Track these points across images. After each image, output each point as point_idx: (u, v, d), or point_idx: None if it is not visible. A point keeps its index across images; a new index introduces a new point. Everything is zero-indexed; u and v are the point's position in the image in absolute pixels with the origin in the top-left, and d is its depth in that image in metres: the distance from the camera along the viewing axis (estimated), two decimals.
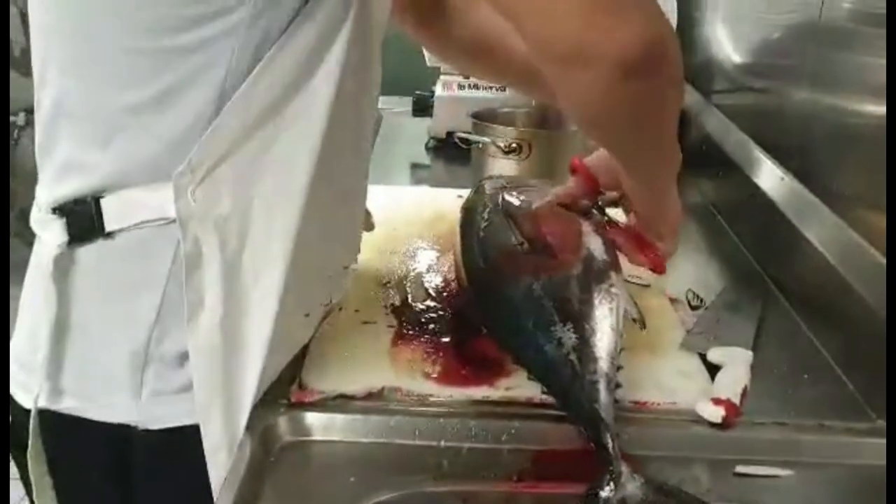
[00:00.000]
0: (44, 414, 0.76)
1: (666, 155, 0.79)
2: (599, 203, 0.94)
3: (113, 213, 0.72)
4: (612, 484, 0.68)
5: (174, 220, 0.70)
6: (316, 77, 0.71)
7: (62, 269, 0.74)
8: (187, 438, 0.73)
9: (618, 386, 0.76)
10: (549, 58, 0.64)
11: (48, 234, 0.74)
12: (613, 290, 0.82)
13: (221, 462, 0.74)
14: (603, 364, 0.76)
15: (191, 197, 0.70)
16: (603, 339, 0.77)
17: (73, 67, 0.71)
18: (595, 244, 0.87)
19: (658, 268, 0.89)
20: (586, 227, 0.90)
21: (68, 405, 0.76)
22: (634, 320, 0.83)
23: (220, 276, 0.72)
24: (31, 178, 0.78)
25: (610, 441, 0.70)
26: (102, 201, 0.72)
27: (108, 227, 0.72)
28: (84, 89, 0.71)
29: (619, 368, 0.77)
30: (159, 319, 0.74)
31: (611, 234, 0.90)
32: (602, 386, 0.74)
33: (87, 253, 0.74)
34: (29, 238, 0.79)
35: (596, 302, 0.80)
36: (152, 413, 0.75)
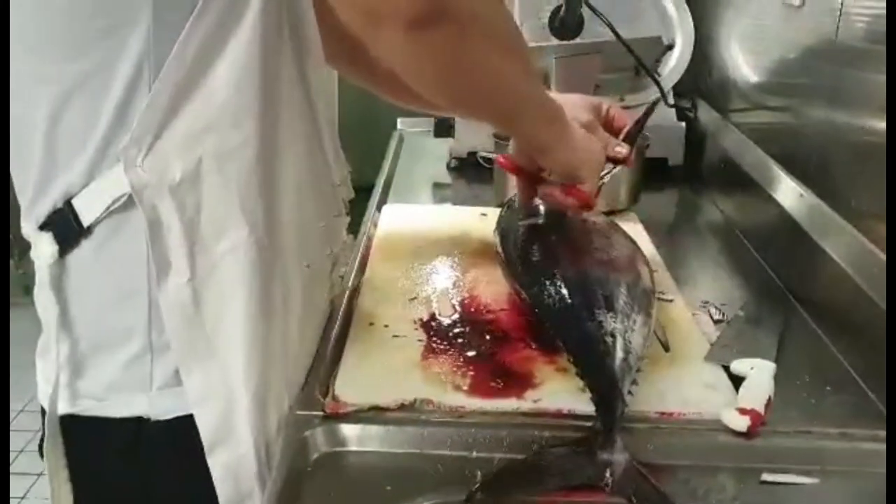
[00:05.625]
0: (64, 418, 0.81)
1: (522, 106, 0.86)
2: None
3: (85, 208, 0.76)
4: (605, 447, 0.74)
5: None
6: (236, 35, 0.73)
7: (57, 278, 0.78)
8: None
9: (634, 382, 0.81)
10: (351, 22, 0.71)
11: (40, 249, 0.78)
12: (651, 311, 0.91)
13: (207, 414, 0.79)
14: (632, 357, 0.83)
15: (140, 168, 0.73)
16: (636, 338, 0.85)
17: (29, 86, 0.75)
18: (644, 270, 0.97)
19: (585, 203, 0.96)
20: (639, 255, 1.01)
21: (86, 406, 0.81)
22: (660, 341, 0.91)
23: (182, 239, 0.75)
24: None
25: (619, 411, 0.77)
26: (74, 201, 0.76)
27: (86, 223, 0.76)
28: (35, 106, 0.75)
29: (638, 370, 0.83)
30: (153, 308, 0.78)
31: (541, 191, 1.01)
32: (626, 370, 0.81)
33: (76, 257, 0.78)
34: None
35: (637, 309, 0.88)
36: (163, 404, 0.80)
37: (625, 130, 1.07)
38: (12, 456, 2.52)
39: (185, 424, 0.79)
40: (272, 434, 0.81)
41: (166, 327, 0.77)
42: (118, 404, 0.80)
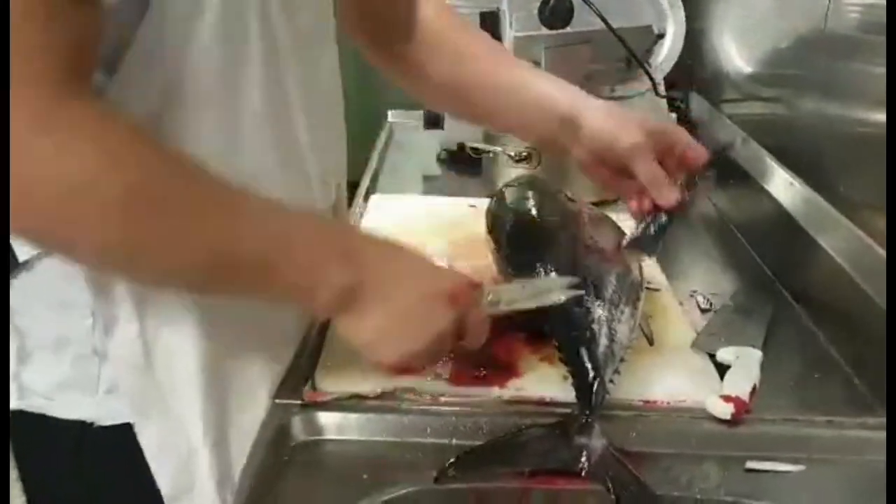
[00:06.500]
0: (14, 413, 0.77)
1: (216, 281, 0.67)
2: None
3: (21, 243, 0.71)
4: (583, 432, 0.73)
5: None
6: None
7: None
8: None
9: (616, 372, 0.80)
10: None
11: None
12: (639, 303, 0.89)
13: (165, 467, 0.75)
14: (616, 346, 0.81)
15: None
16: (622, 328, 0.83)
17: None
18: (634, 263, 0.95)
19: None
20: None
21: (34, 403, 0.77)
22: (645, 334, 0.89)
23: (126, 291, 0.71)
24: None
25: (599, 398, 0.76)
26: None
27: (21, 258, 0.72)
28: None
29: (622, 360, 0.81)
30: (96, 317, 0.73)
31: None
32: (610, 358, 0.80)
33: (18, 281, 0.74)
34: None
35: (625, 300, 0.87)
36: (109, 409, 0.76)
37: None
38: None
39: (132, 432, 0.76)
40: (237, 484, 0.77)
41: (116, 378, 0.74)
42: (64, 405, 0.77)
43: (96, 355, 0.75)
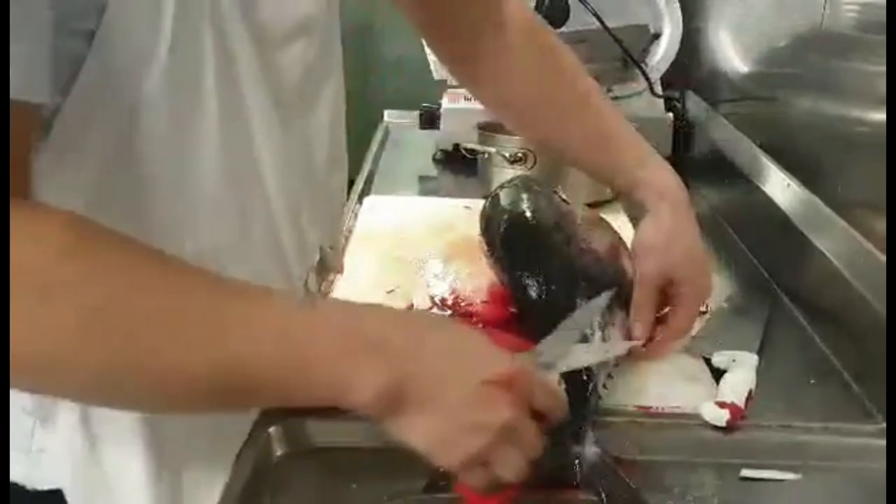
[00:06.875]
0: None
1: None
2: None
3: None
4: (576, 440, 0.71)
5: None
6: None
7: None
8: None
9: (609, 376, 0.80)
10: None
11: None
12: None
13: None
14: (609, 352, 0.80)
15: None
16: (615, 332, 0.83)
17: None
18: (628, 264, 0.93)
19: None
20: (623, 248, 0.96)
21: None
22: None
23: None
24: None
25: (591, 404, 0.75)
26: None
27: None
28: None
29: (616, 365, 0.81)
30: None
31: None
32: (603, 363, 0.78)
33: None
34: None
35: (619, 304, 0.86)
36: (42, 472, 0.69)
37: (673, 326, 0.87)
38: None
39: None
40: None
41: (56, 469, 0.68)
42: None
43: (31, 416, 0.68)
